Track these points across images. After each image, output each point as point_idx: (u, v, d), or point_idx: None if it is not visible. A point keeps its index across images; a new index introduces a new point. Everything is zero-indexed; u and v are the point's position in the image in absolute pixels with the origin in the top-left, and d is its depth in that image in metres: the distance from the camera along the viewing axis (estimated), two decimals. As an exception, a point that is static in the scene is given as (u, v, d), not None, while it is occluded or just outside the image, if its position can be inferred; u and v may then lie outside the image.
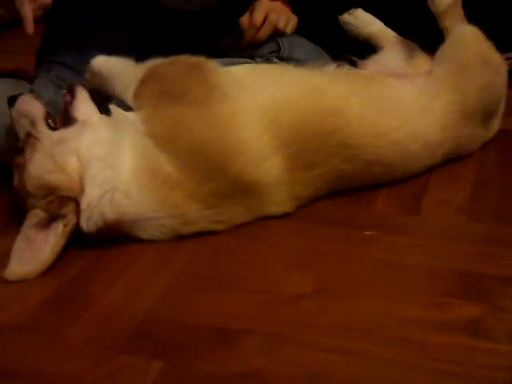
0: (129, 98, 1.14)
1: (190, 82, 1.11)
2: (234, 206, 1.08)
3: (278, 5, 1.43)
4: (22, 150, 1.10)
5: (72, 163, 1.04)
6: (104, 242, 1.06)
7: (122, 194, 1.03)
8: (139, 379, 0.80)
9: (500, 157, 1.29)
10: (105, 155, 1.05)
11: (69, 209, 1.02)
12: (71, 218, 1.02)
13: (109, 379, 0.81)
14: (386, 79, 1.23)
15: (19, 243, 1.01)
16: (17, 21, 1.24)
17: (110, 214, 1.03)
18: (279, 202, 1.11)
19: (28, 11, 1.17)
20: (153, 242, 1.08)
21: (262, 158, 1.08)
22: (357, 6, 1.46)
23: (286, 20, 1.43)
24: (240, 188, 1.07)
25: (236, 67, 1.22)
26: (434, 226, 1.09)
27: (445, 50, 1.30)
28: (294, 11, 1.49)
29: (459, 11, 1.37)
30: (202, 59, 1.15)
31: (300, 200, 1.13)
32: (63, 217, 1.01)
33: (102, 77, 1.19)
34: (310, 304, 0.91)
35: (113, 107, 1.13)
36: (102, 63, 1.20)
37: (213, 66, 1.14)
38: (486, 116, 1.27)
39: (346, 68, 1.28)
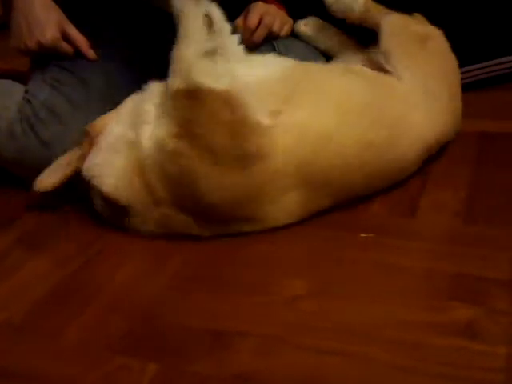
0: (171, 84, 1.04)
1: (222, 141, 1.00)
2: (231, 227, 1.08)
3: (273, 8, 1.43)
4: None
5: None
6: (98, 242, 1.05)
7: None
8: (134, 381, 0.80)
9: (496, 159, 1.29)
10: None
11: (86, 141, 1.14)
12: (86, 147, 1.13)
13: (104, 381, 0.81)
14: (390, 83, 1.20)
15: (54, 165, 1.17)
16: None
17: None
18: (279, 223, 1.09)
19: (68, 46, 1.27)
20: (147, 243, 1.07)
21: (277, 200, 1.05)
22: None
23: (281, 23, 1.43)
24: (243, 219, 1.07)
25: (269, 79, 1.10)
26: (430, 228, 1.09)
27: (385, 50, 1.24)
28: (290, 14, 1.49)
29: (378, 6, 1.34)
30: (253, 117, 1.02)
31: (299, 219, 1.10)
32: (81, 145, 1.16)
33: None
34: (306, 306, 0.91)
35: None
36: (187, 14, 1.07)
37: (259, 121, 1.02)
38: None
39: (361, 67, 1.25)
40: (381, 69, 1.23)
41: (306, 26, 1.46)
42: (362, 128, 1.09)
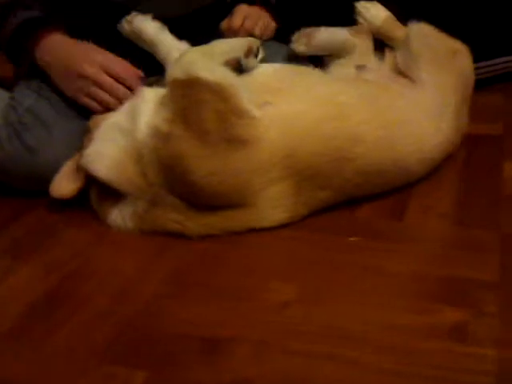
0: (170, 73, 1.14)
1: (213, 125, 1.06)
2: (210, 218, 1.08)
3: (256, 11, 1.43)
4: None
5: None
6: (86, 250, 1.05)
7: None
8: (123, 389, 0.79)
9: (483, 162, 1.30)
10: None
11: (87, 136, 1.17)
12: (86, 142, 1.16)
13: (91, 389, 0.80)
14: (398, 89, 1.20)
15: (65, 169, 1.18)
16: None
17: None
18: (271, 220, 1.10)
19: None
20: (136, 250, 1.07)
21: (265, 187, 1.07)
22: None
23: (263, 26, 1.43)
24: (228, 209, 1.08)
25: (262, 73, 1.19)
26: (418, 231, 1.10)
27: (414, 53, 1.27)
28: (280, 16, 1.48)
29: (397, 23, 1.39)
30: (243, 107, 1.07)
31: (295, 217, 1.11)
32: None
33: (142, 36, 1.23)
34: (296, 311, 0.91)
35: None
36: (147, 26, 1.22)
37: (247, 110, 1.08)
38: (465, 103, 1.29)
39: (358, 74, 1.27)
40: (396, 72, 1.26)
41: (302, 46, 1.41)
42: (352, 123, 1.11)
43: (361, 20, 1.40)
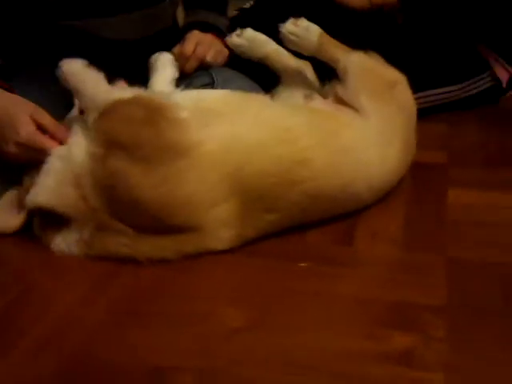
0: (89, 121, 1.11)
1: (144, 135, 1.06)
2: (160, 240, 1.06)
3: (209, 37, 1.44)
4: None
5: None
6: (31, 275, 1.02)
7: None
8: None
9: (428, 189, 1.33)
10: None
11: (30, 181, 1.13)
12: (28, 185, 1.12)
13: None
14: (343, 118, 1.21)
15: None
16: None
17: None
18: (221, 241, 1.09)
19: (47, 140, 1.13)
20: (84, 274, 1.05)
21: (212, 206, 1.06)
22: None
23: (216, 52, 1.44)
24: (175, 231, 1.06)
25: (210, 97, 1.18)
26: (366, 256, 1.10)
27: (354, 84, 1.27)
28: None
29: (334, 41, 1.35)
30: (165, 103, 1.10)
31: (245, 239, 1.11)
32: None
33: (69, 82, 1.14)
34: (244, 338, 0.90)
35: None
36: (74, 70, 1.14)
37: (175, 113, 1.09)
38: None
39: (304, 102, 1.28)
40: (340, 101, 1.26)
41: (239, 38, 1.40)
42: (297, 147, 1.11)
43: (293, 39, 1.33)
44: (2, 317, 0.96)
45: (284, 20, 1.34)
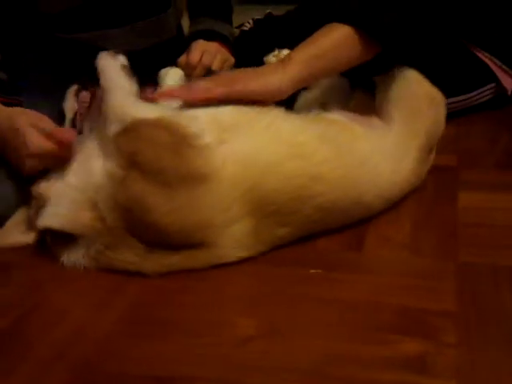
0: (109, 132, 1.09)
1: (168, 162, 1.04)
2: (169, 257, 1.06)
3: (214, 46, 1.45)
4: None
5: None
6: (40, 289, 1.02)
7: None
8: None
9: (438, 192, 1.32)
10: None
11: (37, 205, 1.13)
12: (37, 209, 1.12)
13: None
14: (359, 130, 1.21)
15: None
16: None
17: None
18: (234, 257, 1.08)
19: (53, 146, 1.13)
20: (93, 286, 1.05)
21: (227, 225, 1.06)
22: None
23: (221, 61, 1.44)
24: (188, 248, 1.06)
25: (225, 111, 1.14)
26: (376, 262, 1.10)
27: (392, 95, 1.29)
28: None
29: None
30: (191, 131, 1.07)
31: (256, 253, 1.10)
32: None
33: (101, 79, 1.14)
34: (256, 346, 0.89)
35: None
36: (108, 69, 1.14)
37: (201, 139, 1.07)
38: (430, 150, 1.31)
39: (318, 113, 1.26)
40: (359, 111, 1.26)
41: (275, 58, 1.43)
42: (312, 162, 1.11)
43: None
44: (12, 331, 0.96)
45: (283, 44, 1.39)
